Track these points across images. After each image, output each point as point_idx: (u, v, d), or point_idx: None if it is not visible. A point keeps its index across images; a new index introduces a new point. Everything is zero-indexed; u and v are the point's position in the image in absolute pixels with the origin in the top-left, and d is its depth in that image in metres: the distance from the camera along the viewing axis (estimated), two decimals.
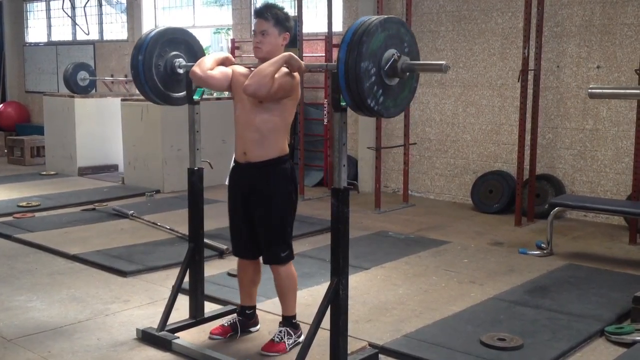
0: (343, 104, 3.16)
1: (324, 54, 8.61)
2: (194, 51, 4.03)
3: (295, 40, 8.35)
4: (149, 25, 11.78)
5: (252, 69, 3.57)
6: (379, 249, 5.75)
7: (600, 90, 5.83)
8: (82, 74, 10.09)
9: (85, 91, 10.10)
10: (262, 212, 3.60)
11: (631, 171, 6.18)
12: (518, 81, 6.67)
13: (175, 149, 8.29)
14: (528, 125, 6.78)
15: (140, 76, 3.82)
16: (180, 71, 3.92)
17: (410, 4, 7.49)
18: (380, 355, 3.66)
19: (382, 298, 4.36)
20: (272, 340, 3.67)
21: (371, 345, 3.76)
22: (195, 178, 4.03)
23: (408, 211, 7.42)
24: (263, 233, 3.64)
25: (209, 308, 4.23)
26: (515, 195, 6.89)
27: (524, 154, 6.77)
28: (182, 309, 4.09)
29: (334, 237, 3.28)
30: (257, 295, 3.94)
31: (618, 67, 6.71)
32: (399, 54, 2.94)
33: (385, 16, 2.98)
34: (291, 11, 9.44)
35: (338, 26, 8.69)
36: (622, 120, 6.72)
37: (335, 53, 8.51)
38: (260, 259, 3.77)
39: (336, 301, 3.27)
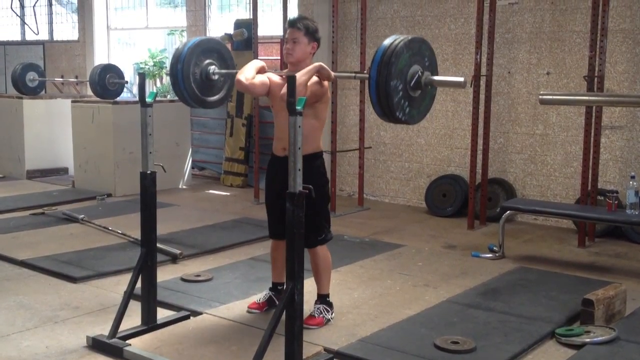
0: (298, 107, 3.17)
1: (279, 57, 8.60)
2: (225, 58, 4.34)
3: (250, 43, 8.32)
4: (100, 25, 11.58)
5: (283, 75, 3.98)
6: (334, 253, 5.68)
7: (551, 97, 5.96)
8: (31, 75, 9.85)
9: (34, 92, 9.87)
10: None
11: (580, 175, 6.32)
12: (470, 86, 6.77)
13: (127, 152, 8.16)
14: (480, 130, 6.88)
15: (180, 84, 4.11)
16: (215, 77, 4.24)
17: (365, 9, 7.53)
18: None
19: (337, 302, 4.36)
20: (312, 315, 4.07)
21: (326, 349, 3.76)
22: (147, 181, 3.97)
23: (363, 215, 7.45)
24: None
25: (162, 314, 4.17)
26: (468, 199, 6.98)
27: (476, 158, 6.86)
28: (134, 316, 4.02)
29: (290, 241, 3.28)
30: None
31: (567, 74, 6.86)
32: (422, 71, 3.34)
33: (410, 37, 3.33)
34: (246, 14, 9.42)
35: None
36: (571, 126, 6.87)
37: None
38: None
39: (291, 306, 3.27)
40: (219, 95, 4.37)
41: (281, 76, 4.07)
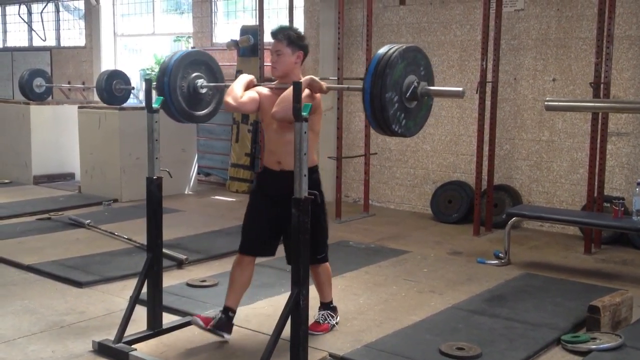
0: (304, 114, 3.18)
1: None
2: (213, 71, 4.24)
3: (256, 50, 8.35)
4: (107, 32, 11.64)
5: (273, 86, 3.89)
6: (339, 259, 5.74)
7: (556, 103, 5.96)
8: (38, 81, 9.90)
9: (41, 98, 9.91)
10: None
11: (586, 182, 6.31)
12: (476, 93, 6.77)
13: (134, 157, 8.18)
14: (486, 137, 6.88)
15: (167, 97, 3.99)
16: (203, 91, 4.13)
17: (371, 15, 7.55)
18: None
19: (343, 308, 4.36)
20: (317, 321, 4.05)
21: (331, 355, 3.76)
22: (154, 187, 3.99)
23: (368, 221, 7.45)
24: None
25: (167, 319, 4.17)
26: (473, 205, 6.97)
27: (482, 165, 6.86)
28: (139, 321, 4.03)
29: (295, 247, 3.28)
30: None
31: (573, 80, 6.86)
32: (418, 81, 3.22)
33: (405, 46, 3.20)
34: (252, 20, 9.45)
35: None
36: (577, 132, 6.87)
37: None
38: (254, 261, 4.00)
39: (297, 311, 3.27)
40: (207, 109, 4.22)
41: (271, 88, 3.92)
